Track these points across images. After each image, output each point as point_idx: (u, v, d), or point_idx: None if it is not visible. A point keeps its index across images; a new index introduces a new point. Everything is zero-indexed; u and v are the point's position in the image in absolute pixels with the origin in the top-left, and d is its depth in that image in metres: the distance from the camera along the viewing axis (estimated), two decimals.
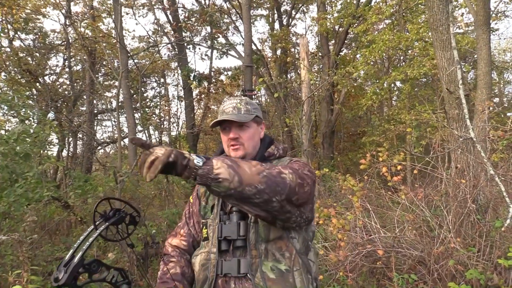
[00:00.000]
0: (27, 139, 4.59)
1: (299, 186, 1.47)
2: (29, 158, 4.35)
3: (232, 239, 1.62)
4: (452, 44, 3.88)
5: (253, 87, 12.23)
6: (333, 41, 14.89)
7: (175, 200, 9.58)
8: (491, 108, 4.92)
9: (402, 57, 13.79)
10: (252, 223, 1.61)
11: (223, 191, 1.33)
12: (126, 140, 11.85)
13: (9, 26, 11.46)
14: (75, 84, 14.27)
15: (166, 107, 14.47)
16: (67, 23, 12.50)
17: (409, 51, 11.60)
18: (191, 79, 13.30)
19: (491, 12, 9.89)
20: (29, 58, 12.69)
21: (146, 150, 1.26)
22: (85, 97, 14.12)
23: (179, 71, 14.25)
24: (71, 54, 13.42)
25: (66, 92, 14.16)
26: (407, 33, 10.35)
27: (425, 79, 13.89)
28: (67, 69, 13.90)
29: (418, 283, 3.52)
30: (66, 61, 13.60)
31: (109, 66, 13.75)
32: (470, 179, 3.69)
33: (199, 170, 1.28)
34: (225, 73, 15.68)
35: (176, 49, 14.07)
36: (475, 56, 11.36)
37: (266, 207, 1.41)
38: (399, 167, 3.95)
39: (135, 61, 12.85)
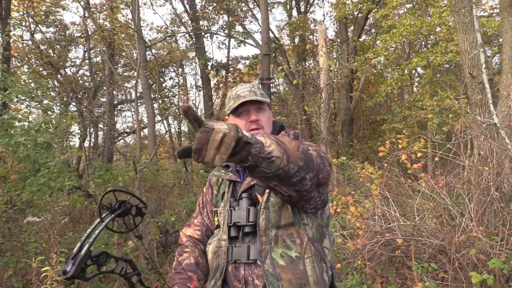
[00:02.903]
0: (49, 129, 4.69)
1: (322, 164, 1.43)
2: (51, 148, 4.44)
3: (242, 225, 1.61)
4: (475, 27, 3.74)
5: (270, 75, 12.16)
6: (352, 28, 14.62)
7: (194, 189, 9.68)
8: None
9: (423, 43, 13.44)
10: (262, 209, 1.59)
11: (272, 172, 1.19)
12: (146, 130, 11.96)
13: (30, 20, 11.67)
14: (95, 75, 14.48)
15: (185, 97, 14.53)
16: (86, 15, 12.64)
17: (431, 36, 11.27)
18: (209, 68, 13.30)
19: None
20: (50, 51, 12.92)
21: (201, 126, 1.02)
22: (105, 88, 14.33)
23: (197, 61, 14.26)
24: (91, 45, 13.59)
25: (86, 84, 14.39)
26: (429, 18, 10.05)
27: (447, 65, 13.53)
28: (87, 61, 14.10)
29: (439, 272, 3.46)
30: (86, 53, 13.79)
31: (128, 57, 13.87)
32: (494, 166, 3.58)
33: (252, 148, 1.11)
34: (243, 61, 15.61)
35: (194, 39, 14.07)
36: (500, 40, 10.99)
37: (300, 186, 1.34)
38: (419, 155, 3.85)
39: (153, 51, 12.92)
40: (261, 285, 1.54)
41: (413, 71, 12.35)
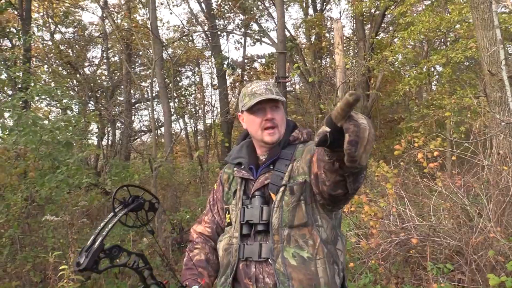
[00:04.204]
0: (70, 127, 4.79)
1: None
2: (71, 146, 4.53)
3: (254, 223, 1.62)
4: (494, 23, 3.65)
5: (286, 74, 12.13)
6: (369, 25, 14.46)
7: (209, 187, 9.73)
8: None
9: (442, 40, 13.19)
10: (276, 208, 1.60)
11: (359, 168, 1.19)
12: (163, 129, 12.09)
13: (50, 20, 11.91)
14: (113, 74, 14.69)
15: (200, 95, 14.62)
16: (104, 15, 12.83)
17: (451, 33, 11.06)
18: (225, 66, 13.33)
19: None
20: (69, 51, 13.17)
21: (351, 118, 0.96)
22: (122, 87, 14.53)
23: (213, 60, 14.33)
24: (109, 45, 13.79)
25: (104, 83, 14.61)
26: (448, 14, 9.86)
27: (467, 63, 13.24)
28: (105, 60, 14.32)
29: (455, 273, 3.40)
30: (104, 53, 14.01)
31: (145, 56, 14.04)
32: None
33: None
34: (259, 60, 15.61)
35: (210, 38, 14.13)
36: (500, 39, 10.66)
37: (361, 182, 1.34)
38: (435, 153, 3.78)
39: (170, 51, 13.04)
40: (271, 283, 1.55)
41: (432, 69, 12.14)
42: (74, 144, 4.77)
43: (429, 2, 11.34)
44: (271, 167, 1.70)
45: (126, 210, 1.45)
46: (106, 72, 14.66)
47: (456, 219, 3.51)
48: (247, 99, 1.71)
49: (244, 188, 1.74)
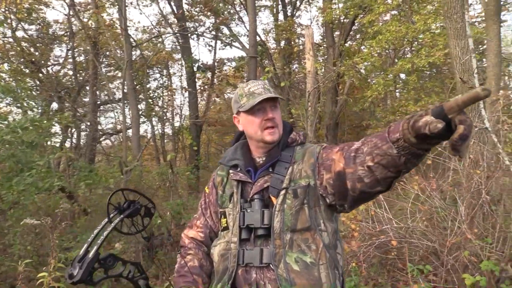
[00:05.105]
0: (34, 128, 4.54)
1: None
2: (36, 147, 4.31)
3: (255, 228, 1.56)
4: (466, 32, 3.81)
5: (257, 78, 12.15)
6: (337, 32, 14.75)
7: (179, 191, 9.56)
8: (501, 100, 4.84)
9: (408, 49, 13.66)
10: (277, 211, 1.54)
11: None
12: (130, 131, 11.80)
13: (12, 16, 11.37)
14: (78, 74, 14.20)
15: (169, 98, 14.39)
16: (71, 13, 12.40)
17: (415, 43, 11.47)
18: (195, 69, 13.21)
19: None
20: (32, 49, 12.61)
21: (464, 113, 1.02)
22: (87, 88, 14.07)
23: (183, 62, 14.16)
24: (75, 44, 13.33)
25: (68, 83, 14.10)
26: (414, 24, 10.22)
27: (429, 72, 13.75)
28: (70, 60, 13.82)
29: (428, 274, 3.49)
30: (70, 52, 13.52)
31: (113, 57, 13.68)
32: (484, 170, 3.64)
33: None
34: (229, 63, 15.58)
35: (180, 40, 13.98)
36: (480, 47, 11.24)
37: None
38: None
39: (139, 52, 12.75)
40: None
41: (397, 77, 12.52)
42: (42, 145, 4.55)
43: (396, 12, 11.71)
44: (270, 170, 1.65)
45: (122, 216, 1.38)
46: (71, 72, 14.15)
47: (431, 221, 3.62)
48: (245, 99, 1.66)
49: (241, 191, 1.69)
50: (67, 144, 13.18)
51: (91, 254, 1.27)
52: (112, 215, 1.39)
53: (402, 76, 12.99)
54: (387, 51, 12.96)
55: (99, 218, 6.44)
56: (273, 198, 1.58)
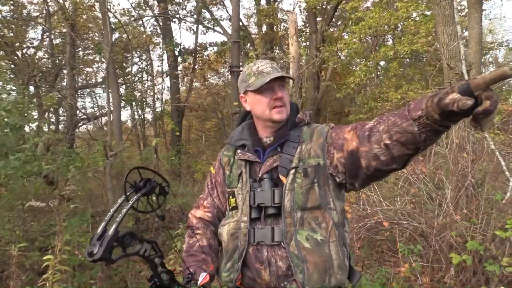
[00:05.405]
0: (17, 111, 4.41)
1: None
2: (21, 130, 4.19)
3: (265, 207, 1.59)
4: (455, 19, 3.89)
5: (240, 63, 12.06)
6: (319, 18, 14.75)
7: (163, 176, 9.44)
8: None
9: (388, 36, 13.82)
10: (287, 190, 1.57)
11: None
12: (112, 116, 11.57)
13: None
14: (55, 57, 13.75)
15: (151, 83, 14.15)
16: None
17: (398, 29, 11.60)
18: (177, 54, 13.01)
19: None
20: (5, 30, 12.10)
21: (490, 89, 1.08)
22: (65, 71, 13.66)
23: (163, 46, 13.91)
24: (51, 26, 12.88)
25: (44, 68, 13.64)
26: (397, 12, 10.33)
27: (408, 60, 13.98)
28: (45, 43, 13.35)
29: (418, 254, 3.61)
30: (46, 34, 13.05)
31: (91, 40, 13.31)
32: (469, 154, 3.77)
33: None
34: (211, 48, 15.40)
35: (161, 23, 13.70)
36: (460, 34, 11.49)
37: None
38: None
39: (118, 35, 12.44)
40: (284, 267, 1.53)
41: (378, 64, 12.69)
42: (27, 128, 4.43)
43: None
44: (279, 149, 1.67)
45: (139, 194, 1.38)
46: (46, 55, 13.69)
47: (419, 203, 3.73)
48: (253, 78, 1.67)
49: (249, 171, 1.70)
50: (45, 129, 12.83)
51: (110, 232, 1.26)
52: (129, 193, 1.38)
53: (382, 63, 13.17)
54: (367, 37, 13.09)
55: (83, 203, 6.35)
56: (282, 178, 1.60)
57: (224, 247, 1.70)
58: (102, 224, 1.30)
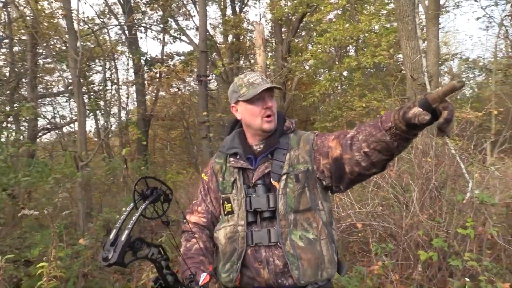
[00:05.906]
0: None
1: None
2: None
3: (261, 211, 1.71)
4: (417, 34, 4.20)
5: (207, 72, 12.16)
6: (284, 29, 15.11)
7: (131, 186, 9.35)
8: None
9: (350, 47, 14.34)
10: (281, 195, 1.70)
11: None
12: (75, 125, 11.31)
13: None
14: (14, 65, 13.26)
15: (116, 92, 13.94)
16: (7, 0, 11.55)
17: (360, 41, 12.09)
18: (143, 63, 12.92)
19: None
20: None
21: (446, 101, 1.24)
22: (24, 80, 13.19)
23: (129, 55, 13.76)
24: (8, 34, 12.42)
25: (3, 76, 13.12)
26: (359, 24, 10.80)
27: (370, 69, 14.58)
28: (3, 50, 12.88)
29: (389, 253, 3.84)
30: (5, 41, 12.58)
31: (53, 48, 12.97)
32: (432, 159, 4.06)
33: None
34: (178, 58, 15.38)
35: (127, 31, 13.57)
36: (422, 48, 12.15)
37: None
38: None
39: (82, 43, 12.20)
40: (281, 265, 1.66)
41: (341, 74, 13.15)
42: None
43: (340, 12, 12.28)
44: (270, 156, 1.80)
45: (147, 202, 1.47)
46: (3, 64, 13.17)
47: (388, 205, 3.98)
48: (245, 89, 1.79)
49: (242, 177, 1.82)
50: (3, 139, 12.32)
51: (123, 238, 1.35)
52: (137, 201, 1.47)
53: (345, 73, 13.66)
54: (331, 48, 13.55)
55: (54, 214, 6.18)
56: (275, 183, 1.73)
57: (222, 250, 1.80)
58: (114, 231, 1.39)
